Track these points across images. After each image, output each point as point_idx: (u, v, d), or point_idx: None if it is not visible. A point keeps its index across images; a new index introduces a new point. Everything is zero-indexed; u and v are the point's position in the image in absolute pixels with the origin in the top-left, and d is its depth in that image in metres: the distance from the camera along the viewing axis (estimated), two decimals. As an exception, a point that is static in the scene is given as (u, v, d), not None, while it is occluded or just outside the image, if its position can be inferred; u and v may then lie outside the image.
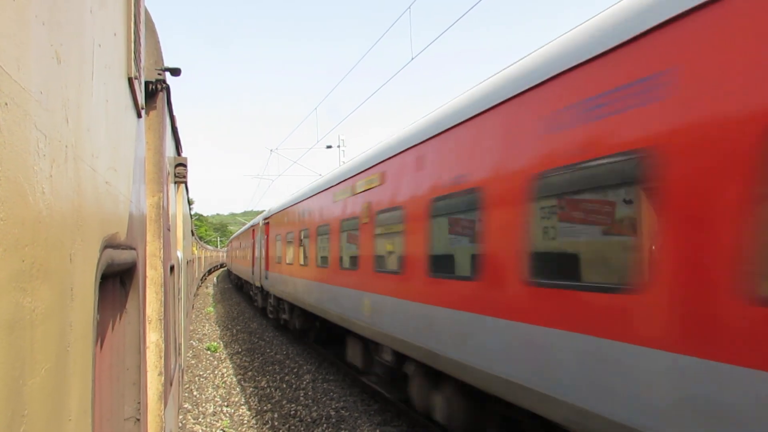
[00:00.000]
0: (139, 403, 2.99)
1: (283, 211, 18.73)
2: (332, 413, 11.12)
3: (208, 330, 23.67)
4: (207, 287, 49.56)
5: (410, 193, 8.42)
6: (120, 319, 2.86)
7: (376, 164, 10.00)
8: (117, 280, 2.71)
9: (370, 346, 11.31)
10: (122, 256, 2.28)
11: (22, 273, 1.01)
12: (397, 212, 8.92)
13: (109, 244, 1.93)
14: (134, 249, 2.71)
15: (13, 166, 0.96)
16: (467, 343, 6.67)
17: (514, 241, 5.77)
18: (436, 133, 7.67)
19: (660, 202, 4.13)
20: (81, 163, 1.47)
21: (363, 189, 10.62)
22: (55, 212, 1.20)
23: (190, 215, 14.33)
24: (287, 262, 17.72)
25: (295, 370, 15.19)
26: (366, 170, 10.57)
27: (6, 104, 0.93)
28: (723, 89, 3.71)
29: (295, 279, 16.64)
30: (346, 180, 11.79)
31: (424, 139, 8.04)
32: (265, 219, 22.65)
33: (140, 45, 3.09)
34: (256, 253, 25.09)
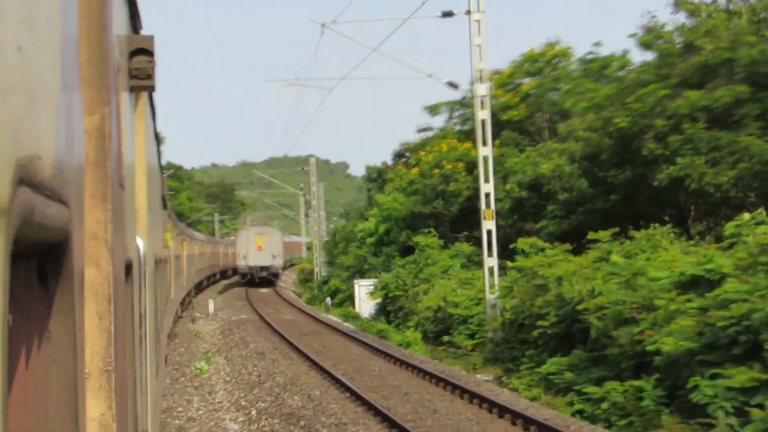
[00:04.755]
0: None
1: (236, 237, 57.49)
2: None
3: (194, 414, 12.32)
4: (198, 320, 28.48)
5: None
6: (39, 345, 1.53)
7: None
8: (32, 267, 1.40)
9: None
10: (49, 211, 1.10)
11: None
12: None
13: (26, 179, 0.93)
14: (66, 204, 1.32)
15: None
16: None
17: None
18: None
19: None
20: None
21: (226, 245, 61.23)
22: None
23: (160, 166, 8.36)
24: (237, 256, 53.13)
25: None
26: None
27: None
28: None
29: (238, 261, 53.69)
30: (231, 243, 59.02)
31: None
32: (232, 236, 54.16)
33: None
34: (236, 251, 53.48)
